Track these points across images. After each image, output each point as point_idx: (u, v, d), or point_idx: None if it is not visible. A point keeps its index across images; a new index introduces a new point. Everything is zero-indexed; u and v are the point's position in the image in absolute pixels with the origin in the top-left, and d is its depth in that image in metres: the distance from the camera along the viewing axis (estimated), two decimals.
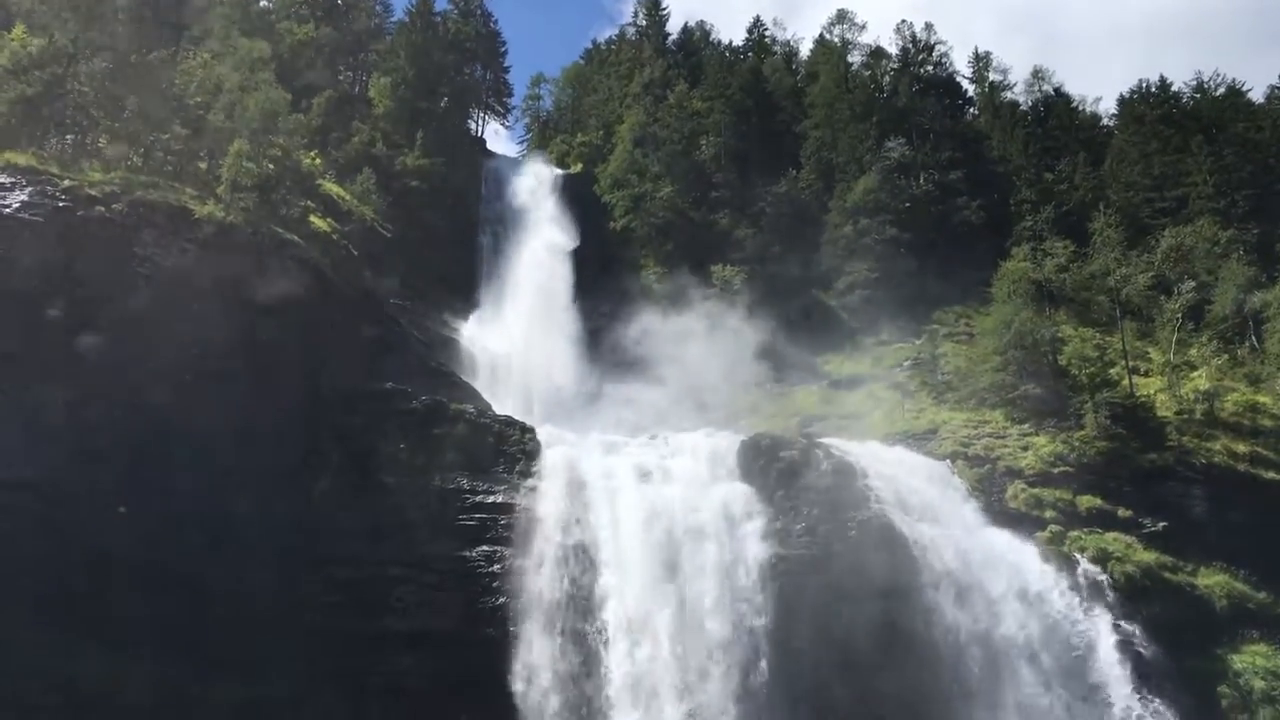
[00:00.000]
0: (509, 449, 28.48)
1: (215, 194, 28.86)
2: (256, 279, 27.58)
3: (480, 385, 35.52)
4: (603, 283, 47.08)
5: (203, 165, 31.67)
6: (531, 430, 29.30)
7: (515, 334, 43.39)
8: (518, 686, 24.41)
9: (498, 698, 24.13)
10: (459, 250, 46.72)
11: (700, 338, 42.02)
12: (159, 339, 25.52)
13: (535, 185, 52.92)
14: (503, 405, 32.44)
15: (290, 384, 27.85)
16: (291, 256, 29.05)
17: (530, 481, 27.57)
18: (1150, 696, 25.40)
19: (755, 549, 26.23)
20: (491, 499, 27.21)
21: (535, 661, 24.56)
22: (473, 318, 43.71)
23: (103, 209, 26.45)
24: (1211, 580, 29.16)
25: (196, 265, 26.93)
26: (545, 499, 26.94)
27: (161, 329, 25.62)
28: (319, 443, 27.57)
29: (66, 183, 26.46)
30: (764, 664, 24.22)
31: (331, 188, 39.55)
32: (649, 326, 42.33)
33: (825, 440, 30.61)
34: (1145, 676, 25.89)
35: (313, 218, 32.92)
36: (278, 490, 26.46)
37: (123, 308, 25.57)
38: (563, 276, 46.93)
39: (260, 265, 27.99)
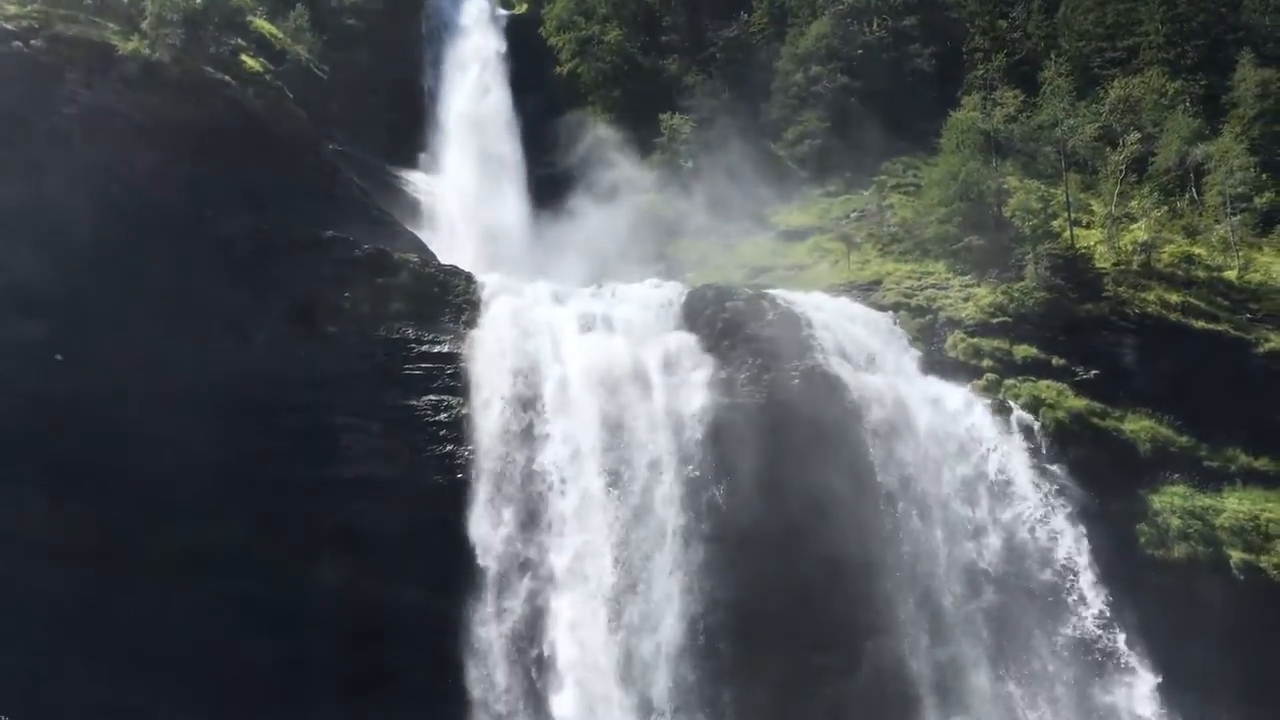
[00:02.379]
0: (454, 299, 28.36)
1: (140, 30, 27.46)
2: (186, 122, 26.63)
3: (424, 234, 35.00)
4: (550, 131, 45.94)
5: None
6: (477, 280, 29.11)
7: (460, 181, 42.51)
8: (473, 530, 24.94)
9: (448, 541, 24.68)
10: (400, 95, 45.04)
11: (648, 187, 41.56)
12: (85, 183, 24.77)
13: (478, 25, 50.89)
14: (448, 254, 32.06)
15: (228, 232, 27.22)
16: (223, 97, 28.02)
17: (476, 331, 27.54)
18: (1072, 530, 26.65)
19: (699, 397, 26.55)
20: (437, 349, 27.22)
21: (481, 510, 25.09)
22: (416, 165, 42.65)
23: (20, 44, 25.15)
24: (1137, 425, 30.27)
25: (121, 105, 25.93)
26: (491, 349, 26.98)
27: (88, 172, 24.82)
28: (260, 291, 27.16)
29: None
30: (704, 504, 24.97)
31: (263, 25, 37.79)
32: (596, 175, 41.67)
33: (771, 291, 30.77)
34: (1073, 518, 27.04)
35: (245, 57, 31.55)
36: (219, 339, 26.28)
37: (45, 149, 24.71)
38: (508, 123, 45.75)
39: (190, 106, 26.97)
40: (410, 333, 27.49)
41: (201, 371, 25.48)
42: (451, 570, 24.49)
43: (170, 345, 25.39)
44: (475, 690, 23.95)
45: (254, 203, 27.99)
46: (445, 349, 27.22)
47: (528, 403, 26.16)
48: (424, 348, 27.25)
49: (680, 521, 24.89)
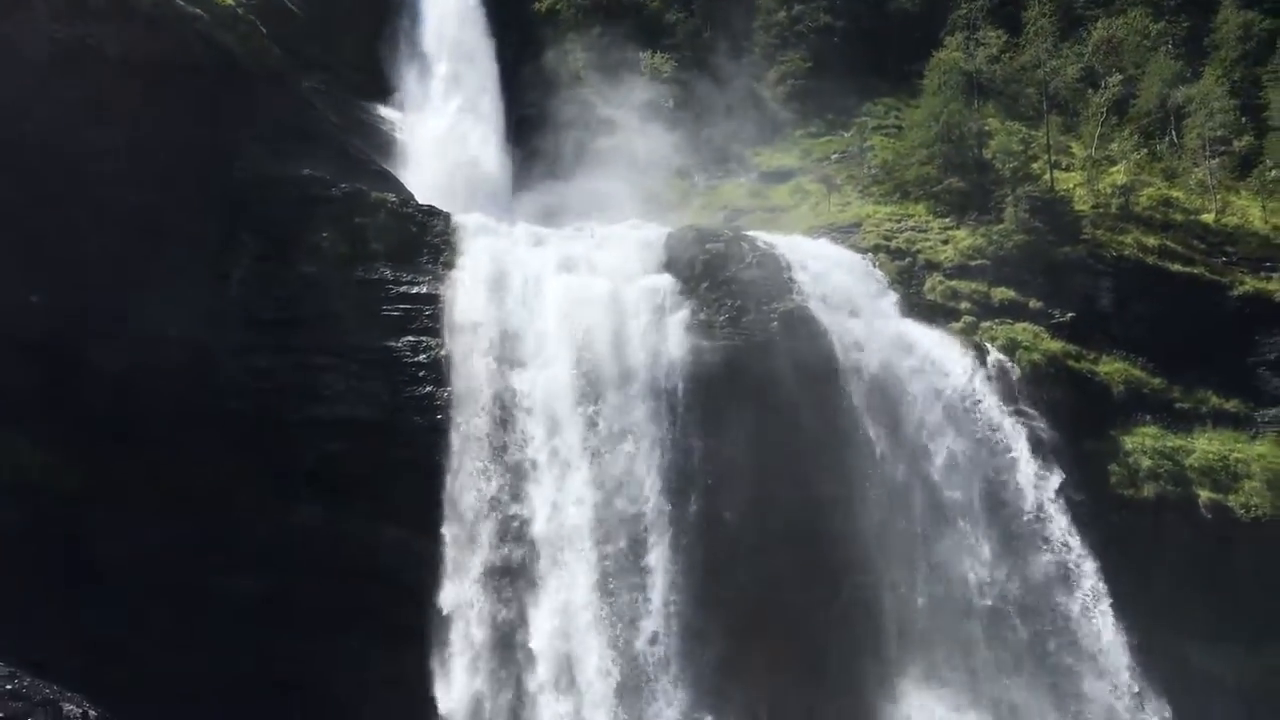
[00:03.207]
0: (433, 239, 28.15)
1: None
2: (158, 56, 26.15)
3: (401, 173, 34.60)
4: (530, 71, 45.30)
5: None
6: (456, 220, 28.86)
7: (436, 120, 41.94)
8: (453, 470, 25.08)
9: (427, 481, 24.82)
10: (376, 31, 44.25)
11: (629, 128, 41.16)
12: (58, 120, 24.45)
13: None
14: (426, 195, 31.72)
15: (201, 170, 26.88)
16: (195, 31, 27.50)
17: (455, 272, 27.41)
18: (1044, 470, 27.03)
19: (678, 339, 26.60)
20: (416, 289, 27.12)
21: (460, 450, 25.21)
22: (392, 102, 42.03)
23: None
24: (1111, 368, 30.63)
25: (92, 39, 25.42)
26: (469, 290, 26.91)
27: (60, 108, 24.45)
28: (235, 231, 26.98)
29: None
30: (683, 445, 25.20)
31: None
32: (577, 116, 41.23)
33: (751, 233, 30.69)
34: (1046, 459, 27.38)
35: None
36: (195, 279, 26.11)
37: (16, 85, 24.28)
38: (486, 62, 45.04)
39: (161, 40, 26.44)
40: (388, 273, 27.36)
41: (179, 311, 25.43)
42: (431, 509, 24.64)
43: (147, 285, 25.26)
44: (456, 623, 24.19)
45: (228, 140, 27.63)
46: (424, 290, 27.11)
47: (507, 344, 26.15)
48: (402, 288, 27.14)
49: (659, 462, 25.01)
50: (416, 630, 23.81)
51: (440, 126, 41.79)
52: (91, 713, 20.54)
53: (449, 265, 27.68)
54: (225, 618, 23.97)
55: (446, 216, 29.06)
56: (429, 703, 23.71)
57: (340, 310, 26.92)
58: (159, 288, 25.33)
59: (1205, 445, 29.67)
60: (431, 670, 23.98)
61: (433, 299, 26.98)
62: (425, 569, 24.38)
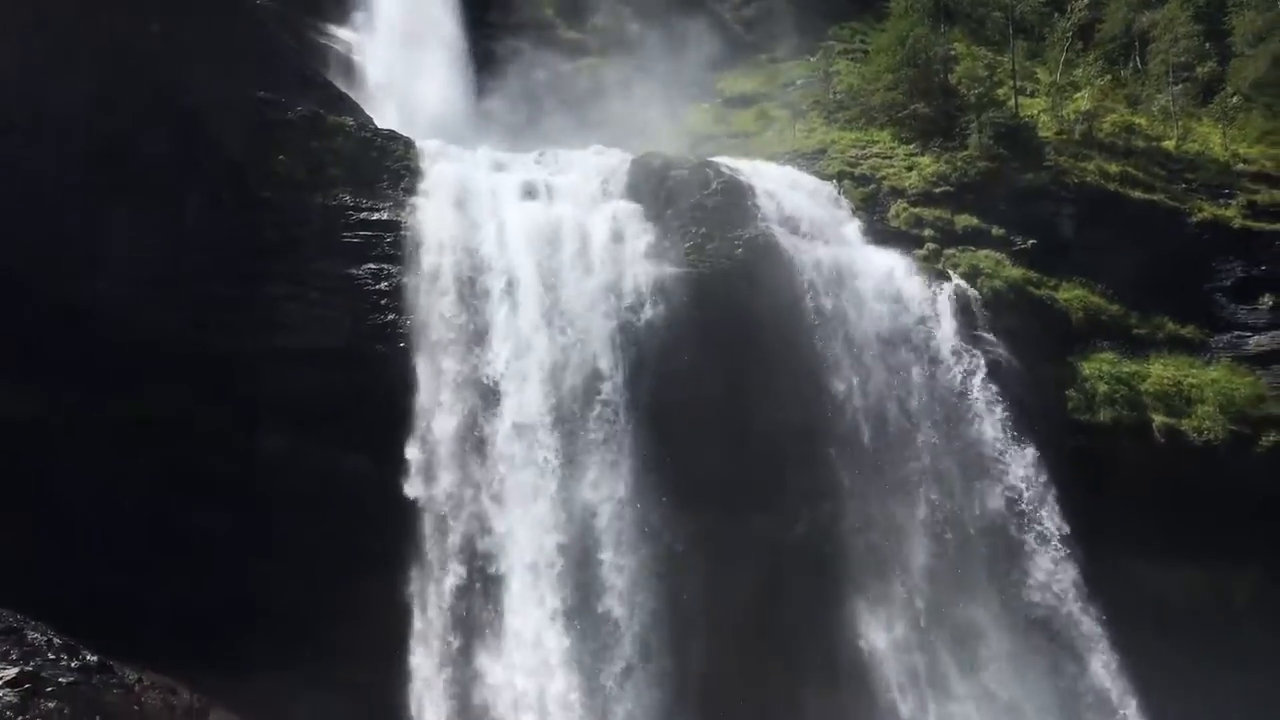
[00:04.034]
0: (393, 165, 27.72)
1: None
2: None
3: (360, 98, 33.90)
4: None
5: None
6: (416, 145, 28.45)
7: (394, 45, 41.03)
8: (417, 399, 25.04)
9: (391, 410, 24.78)
10: None
11: (591, 53, 40.55)
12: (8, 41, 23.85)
13: None
14: (385, 119, 31.14)
15: (156, 93, 26.18)
16: None
17: (416, 199, 27.06)
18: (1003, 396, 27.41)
19: (642, 266, 26.54)
20: (377, 216, 26.75)
21: (423, 377, 25.17)
22: (351, 25, 41.02)
23: None
24: (1071, 294, 30.90)
25: None
26: (431, 216, 26.59)
27: (8, 29, 23.89)
28: (190, 155, 26.33)
29: None
30: (645, 371, 25.30)
31: None
32: (538, 41, 40.51)
33: (716, 159, 30.46)
34: (1004, 385, 27.73)
35: None
36: (151, 206, 25.59)
37: None
38: None
39: None
40: (348, 199, 26.92)
41: (135, 239, 24.95)
42: (395, 437, 24.62)
43: (101, 213, 24.76)
44: (427, 545, 24.40)
45: (181, 61, 26.85)
46: (385, 216, 26.74)
47: (469, 271, 25.95)
48: (363, 215, 26.75)
49: (623, 390, 25.08)
50: (382, 556, 23.90)
51: (396, 50, 40.93)
52: (56, 640, 20.56)
53: (410, 191, 27.29)
54: (190, 548, 23.93)
55: (407, 141, 28.59)
56: (405, 616, 23.95)
57: (300, 237, 26.50)
58: (114, 216, 24.83)
59: (1160, 371, 30.13)
60: (405, 591, 24.20)
61: (394, 225, 26.62)
62: (390, 497, 24.40)
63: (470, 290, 25.74)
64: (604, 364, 25.17)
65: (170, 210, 25.98)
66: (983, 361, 27.84)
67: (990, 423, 27.32)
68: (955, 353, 28.03)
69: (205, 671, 22.68)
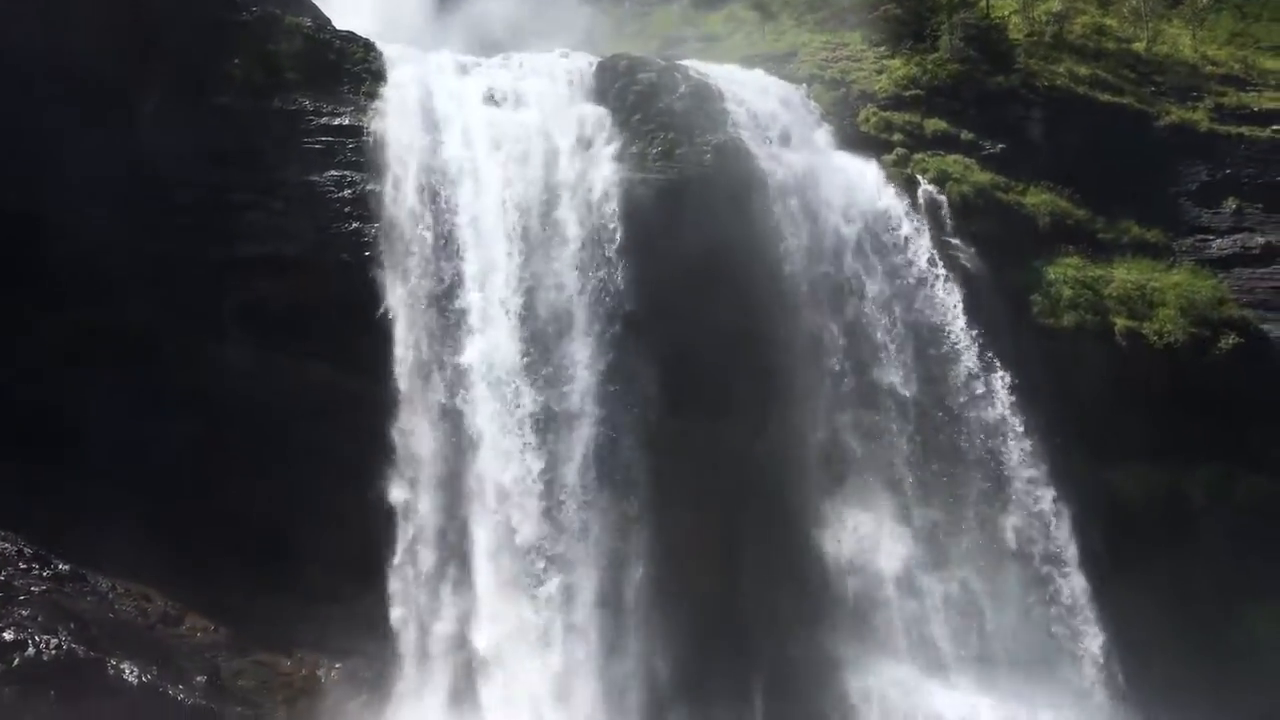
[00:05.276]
0: (353, 68, 27.11)
1: None
2: None
3: None
4: None
5: None
6: (377, 48, 27.81)
7: None
8: (390, 301, 24.87)
9: (357, 319, 24.62)
10: None
11: None
12: None
13: None
14: (343, 21, 30.26)
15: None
16: None
17: (378, 103, 26.56)
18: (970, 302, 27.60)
19: (610, 172, 26.24)
20: (337, 121, 26.23)
21: (390, 285, 24.99)
22: None
23: None
24: (1038, 199, 30.85)
25: None
26: (394, 121, 26.12)
27: None
28: (143, 59, 25.63)
29: None
30: (613, 278, 25.23)
31: None
32: None
33: (684, 62, 29.98)
34: (972, 290, 27.91)
35: None
36: (106, 114, 25.03)
37: None
38: None
39: None
40: (308, 104, 26.37)
41: (91, 148, 24.35)
42: (362, 346, 24.51)
43: (53, 121, 24.20)
44: (399, 449, 24.50)
45: None
46: (346, 121, 26.23)
47: (433, 177, 25.56)
48: (323, 120, 26.22)
49: (590, 296, 25.02)
50: (350, 463, 23.94)
51: None
52: (26, 550, 20.61)
53: (371, 95, 26.75)
54: (159, 460, 23.78)
55: (367, 43, 27.94)
56: (386, 524, 24.14)
57: (259, 144, 26.00)
58: (70, 124, 24.29)
59: (1124, 275, 30.29)
60: (380, 497, 24.33)
61: (356, 131, 26.14)
62: (358, 408, 24.40)
63: (434, 197, 25.36)
64: (570, 267, 25.04)
65: (126, 118, 25.43)
66: (952, 267, 27.94)
67: (958, 330, 27.58)
68: (924, 259, 28.09)
69: (178, 582, 22.86)
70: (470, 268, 24.88)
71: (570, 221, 25.46)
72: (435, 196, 25.45)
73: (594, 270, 25.16)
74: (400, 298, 24.89)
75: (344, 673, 23.23)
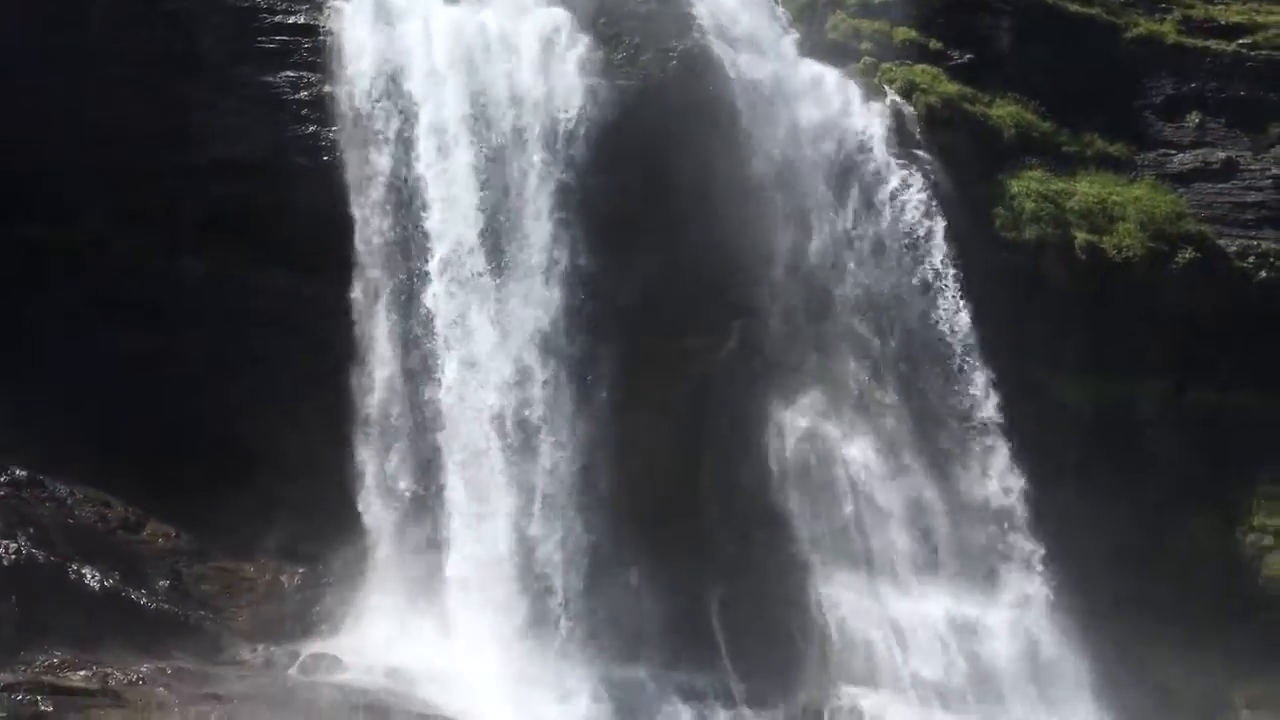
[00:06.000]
0: None
1: None
2: None
3: None
4: None
5: None
6: None
7: None
8: (354, 211, 24.50)
9: (316, 223, 24.19)
10: None
11: None
12: None
13: None
14: None
15: None
16: None
17: (334, 2, 25.76)
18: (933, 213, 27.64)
19: (574, 78, 25.68)
20: (293, 19, 25.51)
21: (350, 189, 24.59)
22: None
23: None
24: (1004, 111, 30.75)
25: None
26: (351, 21, 25.37)
27: None
28: None
29: None
30: (579, 188, 24.86)
31: None
32: None
33: None
34: (940, 202, 27.91)
35: None
36: (54, 17, 24.32)
37: None
38: None
39: None
40: (260, 2, 25.61)
41: (40, 54, 23.72)
42: (322, 251, 24.17)
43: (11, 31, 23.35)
44: (368, 358, 24.32)
45: None
46: (301, 20, 25.51)
47: (393, 80, 24.92)
48: (278, 18, 25.49)
49: (554, 205, 24.73)
50: (311, 372, 23.80)
51: None
52: None
53: None
54: (112, 372, 23.35)
55: None
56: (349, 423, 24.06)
57: (210, 45, 25.21)
58: (17, 30, 23.45)
59: (1086, 189, 30.41)
60: (346, 400, 24.21)
61: (312, 30, 25.44)
62: (319, 315, 24.14)
63: (395, 99, 24.76)
64: (535, 175, 24.69)
65: (74, 21, 24.65)
66: (916, 177, 27.92)
67: (921, 239, 27.68)
68: (890, 169, 28.05)
69: (138, 490, 22.78)
70: (430, 171, 24.40)
71: (533, 125, 25.00)
72: (394, 97, 24.85)
73: (557, 175, 24.77)
74: (360, 202, 24.48)
75: (307, 578, 23.35)
